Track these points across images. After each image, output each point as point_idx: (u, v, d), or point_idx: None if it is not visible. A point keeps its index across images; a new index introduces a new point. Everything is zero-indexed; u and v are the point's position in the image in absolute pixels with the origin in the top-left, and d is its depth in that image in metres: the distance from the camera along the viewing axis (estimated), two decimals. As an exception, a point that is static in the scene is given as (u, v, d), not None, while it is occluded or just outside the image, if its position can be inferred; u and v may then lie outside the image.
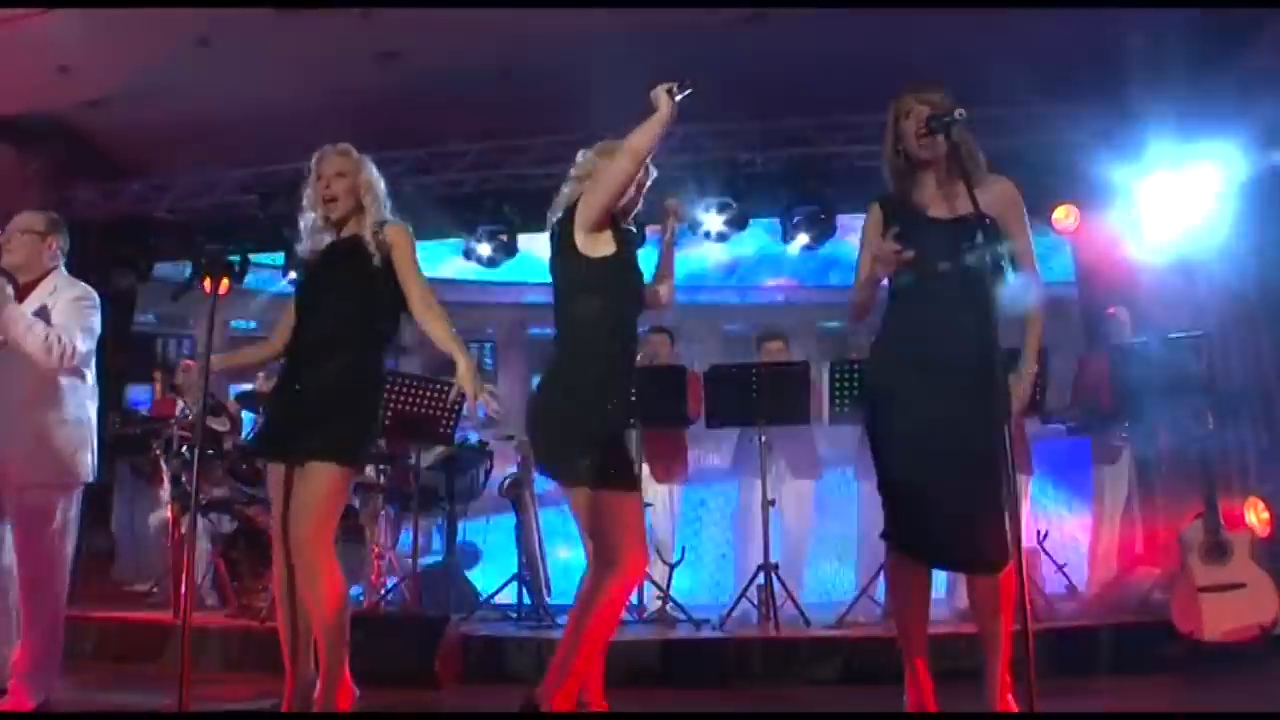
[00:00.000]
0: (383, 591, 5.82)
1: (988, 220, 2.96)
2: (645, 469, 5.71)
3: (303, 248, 3.55)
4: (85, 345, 3.79)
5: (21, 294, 3.81)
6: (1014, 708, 2.91)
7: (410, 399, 5.60)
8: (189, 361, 7.01)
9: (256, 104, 7.35)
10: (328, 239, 3.49)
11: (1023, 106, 6.87)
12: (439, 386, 5.59)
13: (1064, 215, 6.79)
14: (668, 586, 5.63)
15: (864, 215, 3.27)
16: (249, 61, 6.89)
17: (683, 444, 6.13)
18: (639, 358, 5.90)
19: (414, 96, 7.43)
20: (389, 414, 5.52)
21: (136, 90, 7.13)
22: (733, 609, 5.36)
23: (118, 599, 6.50)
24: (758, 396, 5.38)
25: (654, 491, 5.78)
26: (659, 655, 4.79)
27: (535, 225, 8.00)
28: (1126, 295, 6.18)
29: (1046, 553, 5.69)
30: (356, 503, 5.96)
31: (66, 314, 3.77)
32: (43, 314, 3.75)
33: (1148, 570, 5.31)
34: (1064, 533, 6.29)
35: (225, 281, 7.93)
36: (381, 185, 3.53)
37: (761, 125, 7.45)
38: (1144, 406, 5.23)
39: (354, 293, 3.36)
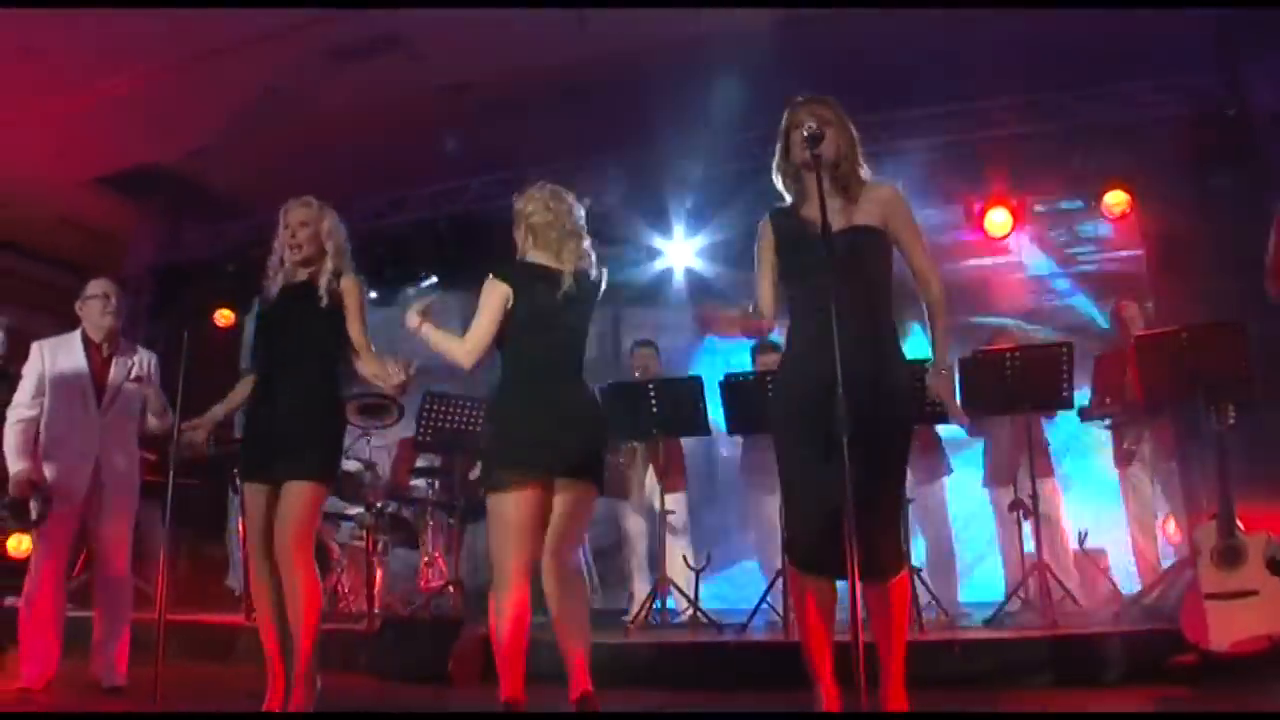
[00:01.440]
0: (432, 596, 6.15)
1: (871, 230, 3.00)
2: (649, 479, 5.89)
3: (268, 286, 3.85)
4: None
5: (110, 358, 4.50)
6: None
7: (447, 416, 5.94)
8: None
9: (338, 143, 7.92)
10: (294, 280, 3.80)
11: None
12: (474, 403, 5.92)
13: (1116, 200, 6.53)
14: (695, 593, 5.72)
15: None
16: (317, 105, 7.45)
17: (683, 452, 6.23)
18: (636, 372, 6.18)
19: (482, 125, 7.83)
20: (430, 431, 5.89)
21: (229, 138, 7.82)
22: (753, 615, 5.41)
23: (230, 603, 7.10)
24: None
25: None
26: (679, 659, 4.91)
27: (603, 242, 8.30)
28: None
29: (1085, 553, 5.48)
30: (410, 514, 6.35)
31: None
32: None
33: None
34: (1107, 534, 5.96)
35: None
36: (342, 233, 3.85)
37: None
38: (1174, 399, 4.95)
39: (303, 330, 3.70)
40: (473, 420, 5.91)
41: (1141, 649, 4.32)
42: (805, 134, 2.92)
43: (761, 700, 4.28)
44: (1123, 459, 5.71)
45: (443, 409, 5.94)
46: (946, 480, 6.02)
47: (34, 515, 4.20)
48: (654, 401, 5.68)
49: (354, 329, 3.73)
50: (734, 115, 7.32)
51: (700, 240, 7.95)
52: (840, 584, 3.12)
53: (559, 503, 3.26)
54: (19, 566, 5.47)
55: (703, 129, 7.59)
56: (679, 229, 7.96)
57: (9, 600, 5.56)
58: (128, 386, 4.53)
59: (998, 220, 6.94)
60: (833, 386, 2.82)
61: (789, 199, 3.19)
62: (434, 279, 8.10)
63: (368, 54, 6.93)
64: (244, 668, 5.07)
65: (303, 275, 3.76)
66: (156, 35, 6.50)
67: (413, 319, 3.44)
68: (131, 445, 4.59)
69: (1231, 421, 4.44)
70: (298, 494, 3.53)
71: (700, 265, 8.08)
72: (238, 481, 6.36)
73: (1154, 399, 5.09)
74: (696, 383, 5.70)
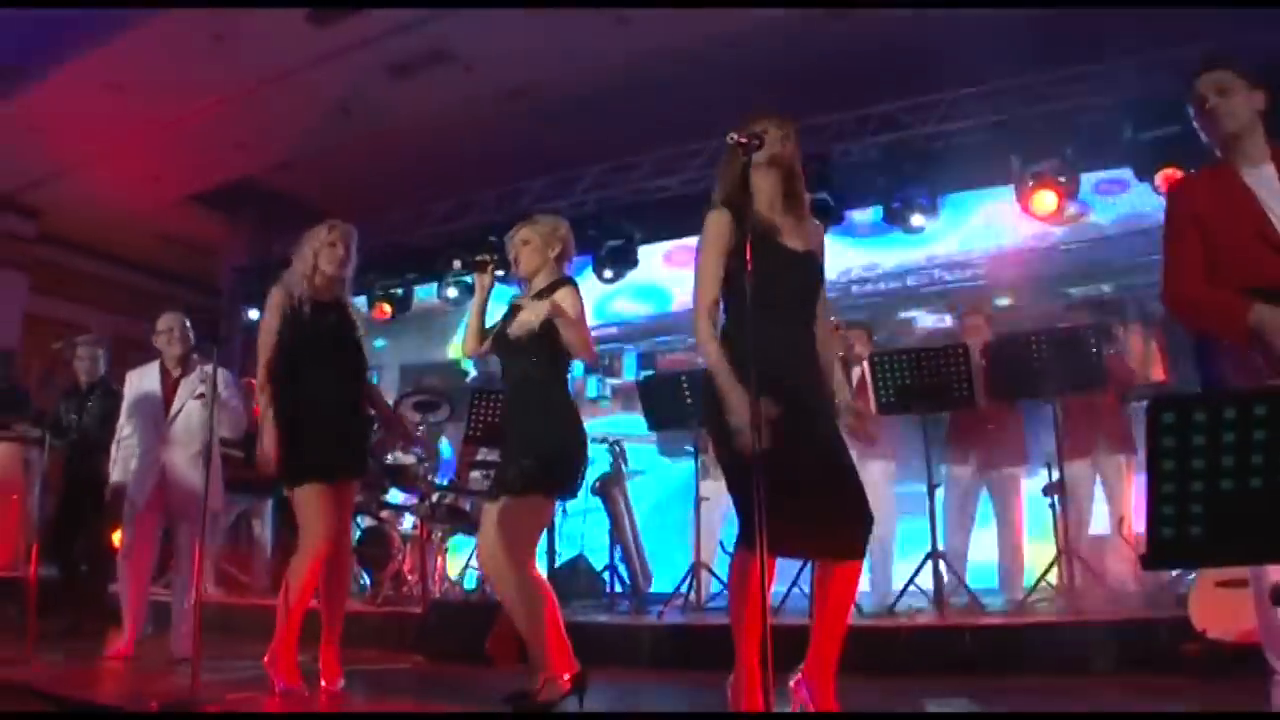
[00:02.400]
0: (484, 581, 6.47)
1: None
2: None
3: (298, 294, 3.97)
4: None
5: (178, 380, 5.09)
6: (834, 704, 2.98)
7: (495, 410, 6.23)
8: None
9: (408, 148, 8.35)
10: (320, 295, 4.02)
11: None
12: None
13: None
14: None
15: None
16: (383, 118, 7.89)
17: None
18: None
19: (539, 127, 8.13)
20: (480, 426, 6.21)
21: (307, 154, 8.36)
22: (785, 597, 5.52)
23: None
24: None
25: (709, 487, 6.00)
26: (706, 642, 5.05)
27: (655, 235, 8.52)
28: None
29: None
30: (468, 505, 6.69)
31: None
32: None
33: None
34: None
35: (388, 307, 9.10)
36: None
37: (855, 114, 7.44)
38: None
39: (352, 344, 4.03)
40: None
41: (1149, 637, 4.28)
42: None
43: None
44: None
45: (491, 405, 6.24)
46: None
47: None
48: (687, 392, 5.84)
49: (366, 349, 4.09)
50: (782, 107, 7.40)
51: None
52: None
53: None
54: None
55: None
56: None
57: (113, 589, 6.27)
58: (192, 403, 5.08)
59: (1045, 201, 6.81)
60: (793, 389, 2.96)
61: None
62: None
63: (422, 68, 7.31)
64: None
65: (330, 294, 4.01)
66: (231, 62, 7.03)
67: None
68: (197, 452, 4.99)
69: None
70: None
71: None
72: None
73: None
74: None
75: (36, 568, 5.17)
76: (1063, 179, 6.81)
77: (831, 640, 3.00)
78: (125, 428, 5.13)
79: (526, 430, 3.48)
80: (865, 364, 5.67)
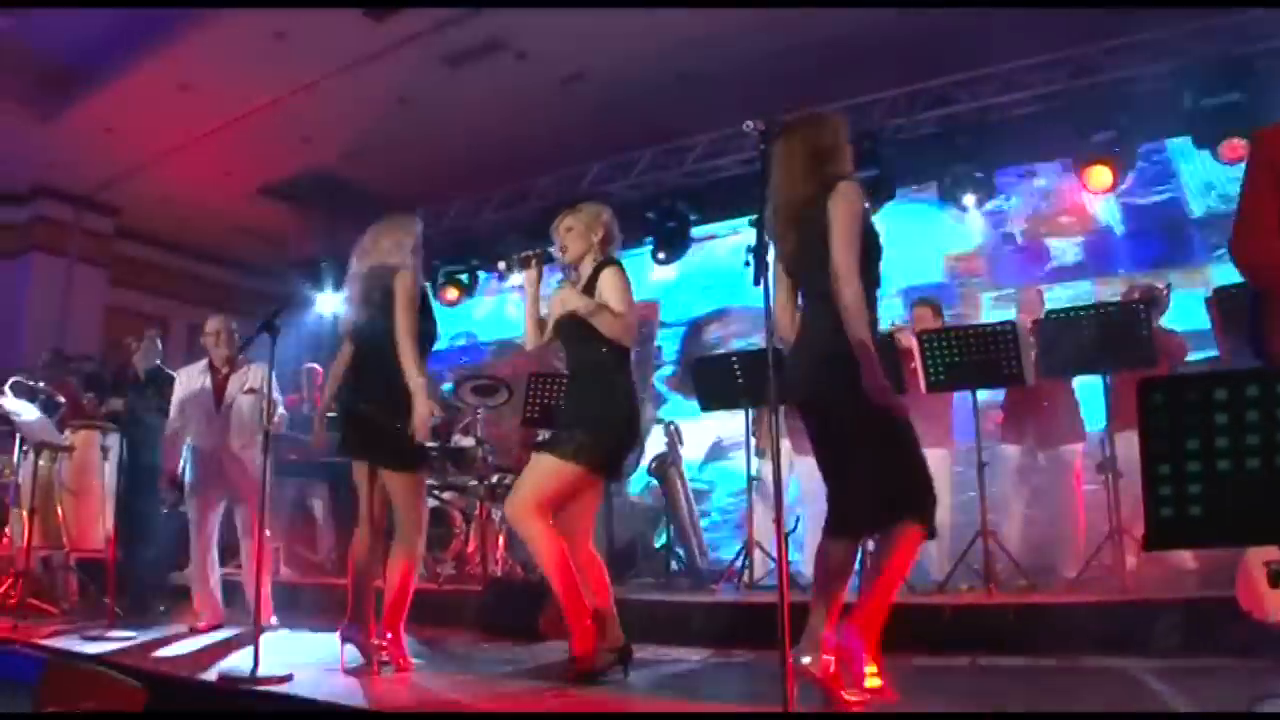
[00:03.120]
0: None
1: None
2: (785, 442, 6.08)
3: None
4: None
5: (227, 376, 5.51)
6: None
7: (556, 393, 6.38)
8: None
9: (469, 136, 8.51)
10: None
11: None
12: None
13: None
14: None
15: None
16: (447, 107, 8.05)
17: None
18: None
19: (596, 112, 8.22)
20: (537, 407, 6.36)
21: (369, 145, 8.57)
22: (949, 576, 5.50)
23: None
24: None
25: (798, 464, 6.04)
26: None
27: (708, 217, 8.57)
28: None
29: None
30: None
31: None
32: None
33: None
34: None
35: (456, 293, 9.31)
36: (407, 231, 4.19)
37: (905, 90, 7.39)
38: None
39: (382, 321, 3.98)
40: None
41: (1197, 618, 4.24)
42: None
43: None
44: None
45: (546, 387, 6.38)
46: None
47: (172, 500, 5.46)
48: (738, 373, 5.93)
49: (400, 320, 3.92)
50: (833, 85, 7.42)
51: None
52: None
53: None
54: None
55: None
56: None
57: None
58: (241, 397, 5.52)
59: (1102, 177, 6.71)
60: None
61: None
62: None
63: (477, 58, 7.45)
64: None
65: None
66: (292, 59, 7.25)
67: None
68: (248, 441, 5.50)
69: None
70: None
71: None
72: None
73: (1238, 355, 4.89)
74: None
75: (112, 551, 5.48)
76: (1119, 150, 6.70)
77: (883, 600, 3.06)
78: (176, 420, 5.53)
79: (584, 408, 3.63)
80: (915, 342, 5.68)
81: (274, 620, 5.46)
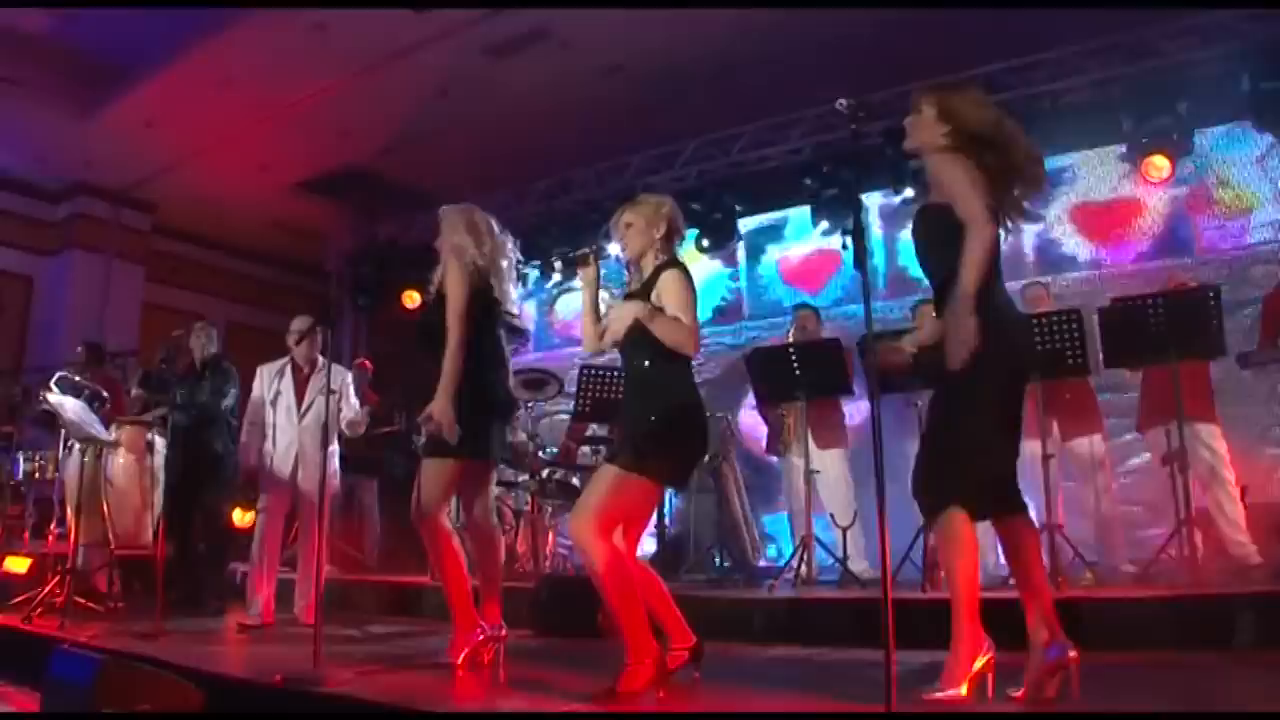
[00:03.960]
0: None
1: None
2: (810, 437, 6.00)
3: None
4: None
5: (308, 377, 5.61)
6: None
7: (606, 386, 6.30)
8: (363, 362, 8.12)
9: (511, 126, 8.42)
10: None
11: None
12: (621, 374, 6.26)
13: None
14: (843, 549, 5.85)
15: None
16: (487, 98, 7.97)
17: (840, 411, 6.29)
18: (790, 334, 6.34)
19: (639, 102, 8.13)
20: (588, 401, 6.28)
21: (408, 139, 8.51)
22: (899, 568, 5.46)
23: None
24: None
25: (820, 459, 6.03)
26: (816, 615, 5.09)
27: (754, 208, 8.47)
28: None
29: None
30: (576, 480, 6.78)
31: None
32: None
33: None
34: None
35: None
36: (458, 237, 4.08)
37: (955, 78, 7.24)
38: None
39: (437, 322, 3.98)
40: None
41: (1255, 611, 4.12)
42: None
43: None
44: None
45: (598, 381, 6.31)
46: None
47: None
48: (796, 364, 5.84)
49: (451, 318, 3.90)
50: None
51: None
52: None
53: None
54: (241, 537, 6.49)
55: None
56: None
57: (233, 565, 6.60)
58: (321, 399, 5.36)
59: (1159, 166, 6.59)
60: None
61: None
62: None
63: (520, 48, 7.37)
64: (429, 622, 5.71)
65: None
66: (331, 53, 7.20)
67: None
68: (324, 441, 5.37)
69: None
70: (425, 468, 3.93)
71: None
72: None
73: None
74: (835, 345, 5.81)
75: (163, 545, 5.43)
76: (1175, 137, 6.56)
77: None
78: (254, 415, 5.62)
79: (647, 414, 3.42)
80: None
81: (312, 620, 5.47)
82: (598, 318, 3.69)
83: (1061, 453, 5.71)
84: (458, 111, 8.19)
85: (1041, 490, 5.12)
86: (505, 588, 5.93)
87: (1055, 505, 5.20)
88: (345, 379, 5.78)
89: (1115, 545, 5.64)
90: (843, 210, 7.93)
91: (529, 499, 6.56)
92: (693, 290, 3.49)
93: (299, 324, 5.62)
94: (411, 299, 8.77)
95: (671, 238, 3.63)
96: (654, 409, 3.42)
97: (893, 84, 7.41)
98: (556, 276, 9.06)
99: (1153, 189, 6.97)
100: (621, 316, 3.45)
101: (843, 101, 2.91)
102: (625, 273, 3.80)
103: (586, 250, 3.76)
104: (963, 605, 2.96)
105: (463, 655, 3.91)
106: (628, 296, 3.62)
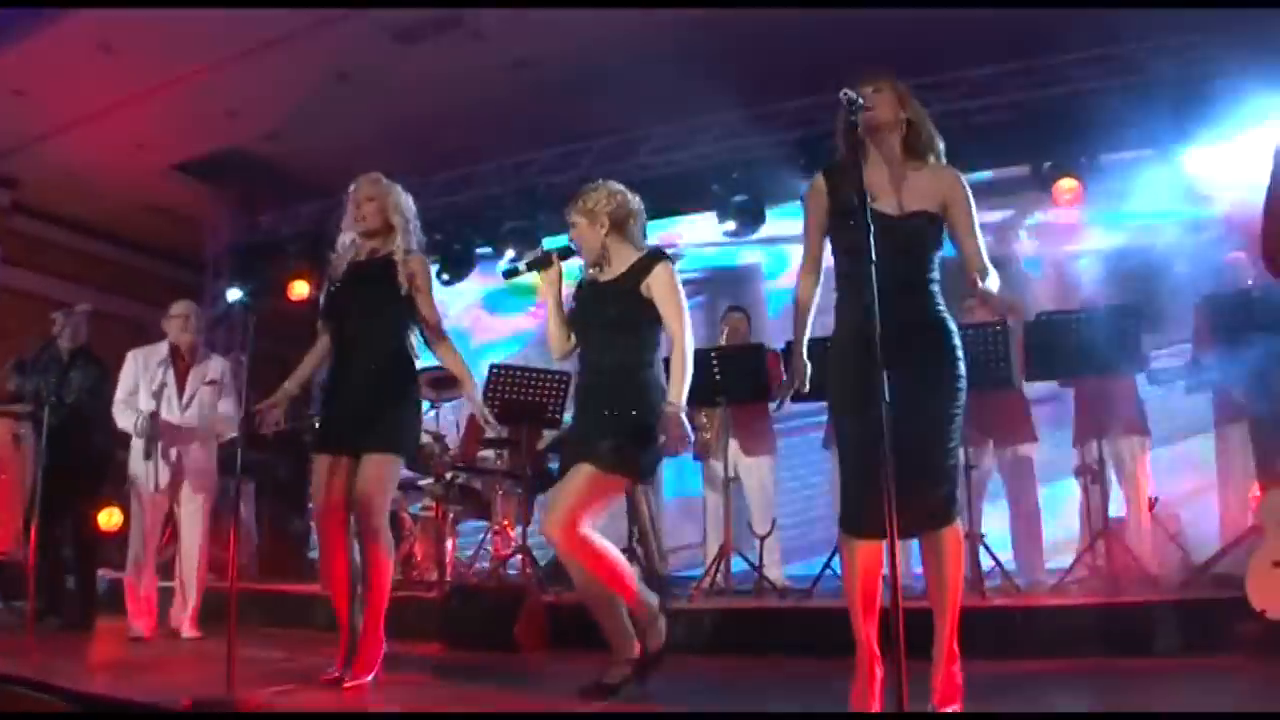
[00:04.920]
0: (502, 564, 6.32)
1: (930, 216, 2.95)
2: (733, 443, 5.91)
3: (335, 267, 3.92)
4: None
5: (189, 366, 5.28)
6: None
7: (517, 387, 6.06)
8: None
9: (409, 117, 8.06)
10: (360, 257, 3.89)
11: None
12: (543, 375, 6.05)
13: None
14: (760, 559, 5.77)
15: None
16: (388, 85, 7.61)
17: (767, 418, 6.22)
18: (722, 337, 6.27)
19: (545, 99, 7.89)
20: (497, 402, 6.02)
21: (299, 122, 8.05)
22: (817, 580, 5.45)
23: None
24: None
25: (743, 465, 5.95)
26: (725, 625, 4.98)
27: (660, 211, 8.35)
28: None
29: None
30: (479, 485, 6.51)
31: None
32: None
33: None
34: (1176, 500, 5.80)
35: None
36: (411, 209, 3.92)
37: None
38: (1247, 357, 4.82)
39: (379, 308, 3.76)
40: (539, 392, 6.03)
41: (1204, 618, 4.25)
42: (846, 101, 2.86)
43: (820, 667, 4.28)
44: (1223, 416, 5.52)
45: (509, 381, 6.06)
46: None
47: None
48: (717, 369, 5.73)
49: (425, 308, 3.78)
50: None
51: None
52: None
53: None
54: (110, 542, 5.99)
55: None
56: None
57: (102, 572, 6.04)
58: (203, 390, 5.28)
59: (1068, 187, 6.82)
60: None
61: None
62: (510, 254, 8.26)
63: (429, 35, 7.05)
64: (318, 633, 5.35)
65: (369, 252, 3.84)
66: (227, 24, 6.70)
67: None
68: (208, 437, 5.35)
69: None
70: (376, 465, 3.63)
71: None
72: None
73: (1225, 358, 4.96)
74: (758, 350, 5.74)
75: (33, 551, 4.97)
76: (1082, 160, 6.79)
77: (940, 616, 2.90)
78: (128, 406, 5.17)
79: (623, 410, 3.34)
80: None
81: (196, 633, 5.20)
82: (564, 320, 3.59)
83: (993, 463, 5.79)
84: (356, 98, 7.78)
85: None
86: (408, 597, 5.72)
87: (979, 515, 5.26)
88: (225, 371, 5.47)
89: (1034, 556, 5.69)
90: (747, 218, 7.98)
91: (430, 504, 6.27)
92: (679, 286, 3.46)
93: (182, 308, 5.32)
94: (299, 290, 8.30)
95: (625, 225, 3.55)
96: (637, 406, 3.34)
97: (804, 95, 7.50)
98: (445, 276, 8.78)
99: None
100: (625, 303, 3.42)
101: (847, 92, 2.76)
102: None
103: (548, 252, 3.64)
104: (957, 619, 2.89)
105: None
106: (592, 285, 3.49)
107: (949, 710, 2.83)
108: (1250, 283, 5.36)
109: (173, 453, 5.17)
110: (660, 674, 3.56)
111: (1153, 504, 5.47)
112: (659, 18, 6.95)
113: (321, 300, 4.00)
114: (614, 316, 3.41)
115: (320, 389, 4.05)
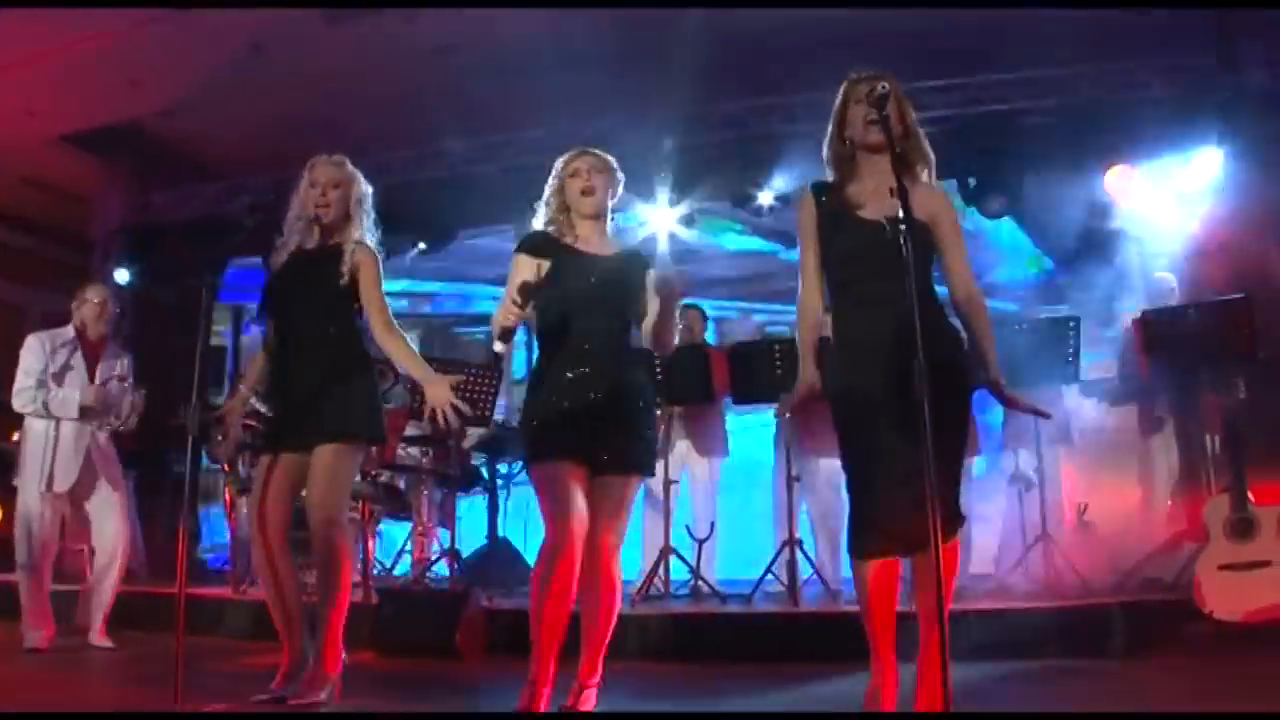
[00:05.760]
0: (427, 567, 6.07)
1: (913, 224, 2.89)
2: (683, 444, 5.83)
3: (280, 253, 3.63)
4: None
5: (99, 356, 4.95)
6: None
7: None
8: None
9: (320, 100, 7.66)
10: (307, 244, 3.60)
11: (1071, 66, 6.69)
12: (474, 371, 5.82)
13: (1116, 176, 6.58)
14: (698, 562, 5.70)
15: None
16: (304, 64, 7.22)
17: (720, 418, 6.17)
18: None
19: (469, 86, 7.63)
20: (423, 397, 5.74)
21: (204, 98, 7.56)
22: (758, 585, 5.43)
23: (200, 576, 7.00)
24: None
25: (694, 466, 5.88)
26: (676, 630, 4.87)
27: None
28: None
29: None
30: (403, 484, 6.22)
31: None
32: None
33: (1186, 546, 5.11)
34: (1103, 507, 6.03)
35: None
36: (369, 201, 3.68)
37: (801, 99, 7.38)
38: (1180, 374, 5.02)
39: (323, 296, 3.49)
40: (471, 388, 5.80)
41: (1155, 619, 4.40)
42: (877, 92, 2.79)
43: (761, 672, 4.27)
44: (1150, 428, 5.74)
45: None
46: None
47: None
48: (659, 369, 5.62)
49: (372, 306, 3.51)
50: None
51: (684, 208, 7.92)
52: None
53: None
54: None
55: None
56: (662, 195, 7.87)
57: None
58: (112, 383, 4.99)
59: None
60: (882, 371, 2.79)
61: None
62: (422, 245, 7.97)
63: (360, 15, 6.72)
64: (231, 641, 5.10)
65: (318, 240, 3.57)
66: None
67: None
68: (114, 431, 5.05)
69: (1242, 395, 4.54)
70: (326, 456, 3.35)
71: (683, 232, 8.07)
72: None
73: (1159, 374, 5.16)
74: (702, 350, 5.67)
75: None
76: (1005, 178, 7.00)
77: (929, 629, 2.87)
78: (32, 389, 4.80)
79: (651, 410, 3.22)
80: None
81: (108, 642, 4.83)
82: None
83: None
84: (270, 76, 7.35)
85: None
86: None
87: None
88: (127, 361, 5.16)
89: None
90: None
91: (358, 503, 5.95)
92: None
93: (97, 293, 5.04)
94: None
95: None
96: (651, 404, 3.21)
97: (739, 96, 7.50)
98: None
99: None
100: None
101: (885, 84, 2.74)
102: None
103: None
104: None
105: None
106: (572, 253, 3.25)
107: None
108: (1174, 302, 5.61)
109: (83, 447, 4.80)
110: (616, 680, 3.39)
111: (1081, 510, 5.64)
112: (593, 13, 6.80)
113: (262, 289, 3.68)
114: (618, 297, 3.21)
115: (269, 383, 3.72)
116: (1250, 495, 4.35)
